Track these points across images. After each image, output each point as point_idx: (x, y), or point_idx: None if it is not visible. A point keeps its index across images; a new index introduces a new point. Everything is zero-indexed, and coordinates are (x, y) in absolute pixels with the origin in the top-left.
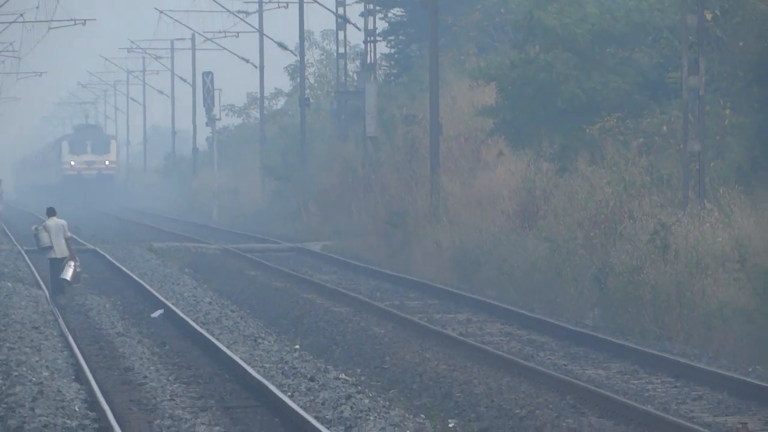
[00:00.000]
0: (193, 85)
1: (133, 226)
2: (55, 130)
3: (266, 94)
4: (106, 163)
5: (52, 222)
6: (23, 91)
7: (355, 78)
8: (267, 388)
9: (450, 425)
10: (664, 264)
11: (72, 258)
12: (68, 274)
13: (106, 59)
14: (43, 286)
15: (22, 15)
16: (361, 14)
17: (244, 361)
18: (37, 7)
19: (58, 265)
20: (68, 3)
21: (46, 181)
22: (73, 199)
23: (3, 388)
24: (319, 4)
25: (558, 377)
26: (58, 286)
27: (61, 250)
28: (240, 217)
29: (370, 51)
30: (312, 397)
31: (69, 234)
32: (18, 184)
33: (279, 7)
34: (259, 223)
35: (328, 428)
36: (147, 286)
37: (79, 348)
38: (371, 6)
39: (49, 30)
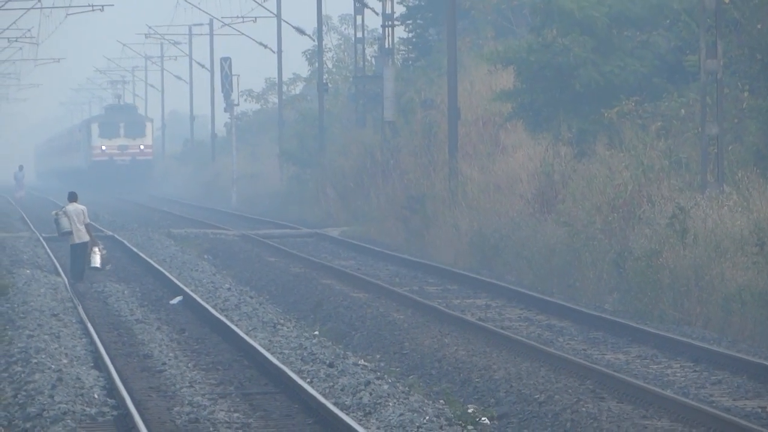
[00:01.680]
0: (212, 71)
1: (152, 212)
2: (73, 117)
3: (284, 79)
4: (141, 147)
5: (72, 207)
6: (42, 77)
7: (373, 63)
8: (286, 374)
9: (469, 410)
10: (682, 248)
11: (94, 243)
12: (96, 261)
13: (124, 45)
14: (62, 273)
15: (39, 1)
16: None
17: (264, 348)
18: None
19: (78, 250)
20: None
21: (73, 166)
22: (103, 187)
23: (22, 375)
24: None
25: (577, 362)
26: (79, 273)
27: (80, 235)
28: (258, 203)
29: (388, 35)
30: (331, 384)
31: (88, 220)
32: (40, 169)
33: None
34: (278, 209)
35: (347, 414)
36: (166, 273)
37: (98, 335)
38: None
39: (67, 16)
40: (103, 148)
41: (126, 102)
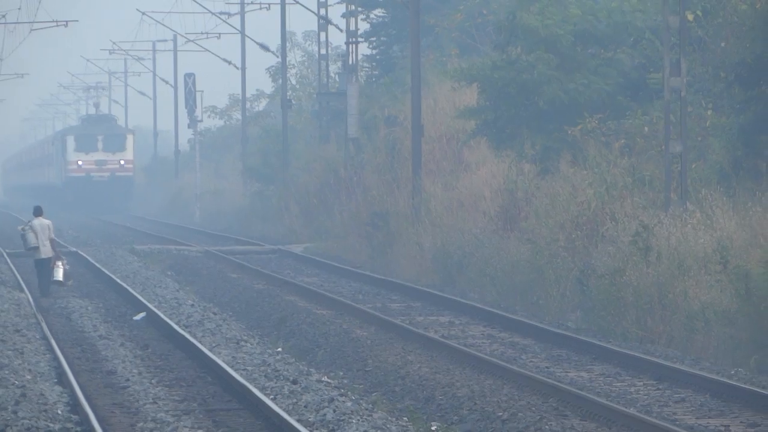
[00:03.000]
0: (175, 87)
1: (115, 228)
2: (36, 133)
3: (248, 95)
4: (122, 162)
5: (38, 222)
6: (4, 93)
7: (337, 79)
8: (250, 390)
9: (433, 428)
10: (646, 266)
11: (58, 258)
12: (59, 274)
13: (88, 60)
14: (26, 289)
15: (3, 16)
16: (343, 15)
17: (227, 364)
18: (19, 8)
19: (44, 265)
20: (50, 4)
21: (45, 182)
22: (79, 206)
23: None
24: (301, 5)
25: (540, 380)
26: (46, 288)
27: (46, 250)
28: (222, 219)
29: (352, 52)
30: (295, 400)
31: (53, 235)
32: (8, 185)
33: (261, 9)
34: (241, 225)
35: (311, 431)
36: (129, 289)
37: (61, 351)
38: (353, 7)
39: (31, 31)
40: (80, 163)
41: (104, 112)
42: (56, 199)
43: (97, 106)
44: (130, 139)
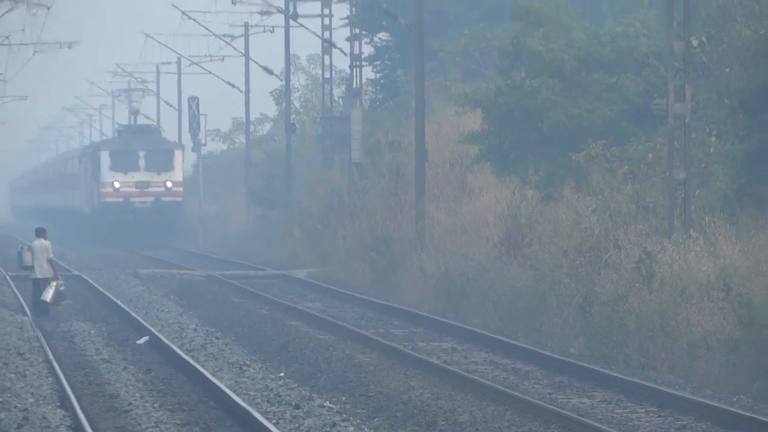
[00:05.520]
0: (179, 110)
1: (118, 251)
2: (39, 155)
3: (252, 119)
4: (168, 185)
5: (38, 243)
6: (8, 115)
7: (341, 103)
8: (252, 415)
9: None
10: (649, 293)
11: (55, 278)
12: (48, 295)
13: (92, 83)
14: (28, 312)
15: (8, 38)
16: (347, 39)
17: (230, 389)
18: (23, 30)
19: (40, 285)
20: (54, 26)
21: (68, 207)
22: (114, 237)
23: None
24: (305, 28)
25: (542, 406)
26: (39, 307)
27: (42, 270)
28: (225, 243)
29: (356, 76)
30: (297, 425)
31: (51, 255)
32: (17, 205)
33: (265, 32)
34: (244, 249)
35: None
36: (132, 313)
37: (64, 374)
38: (357, 30)
39: (34, 53)
40: (117, 185)
41: (146, 122)
42: (84, 228)
43: (135, 113)
44: (178, 155)
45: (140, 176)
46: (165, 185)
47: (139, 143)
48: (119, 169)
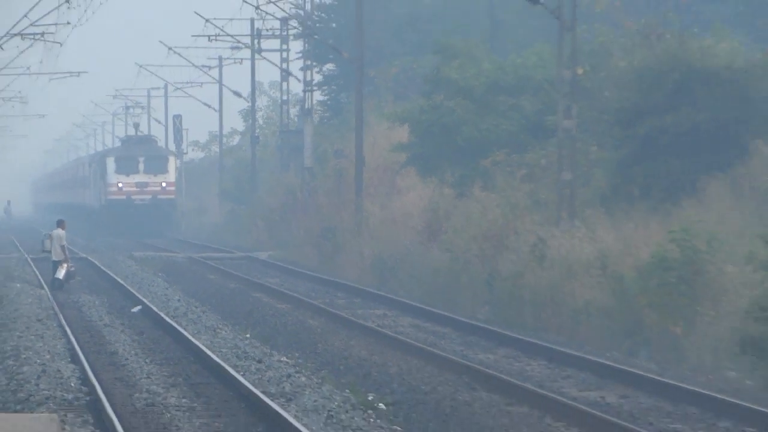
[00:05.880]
0: (166, 126)
1: (120, 239)
2: (54, 162)
3: (224, 132)
4: (163, 185)
5: (56, 232)
6: (29, 129)
7: (296, 120)
8: (224, 368)
9: (369, 398)
10: (541, 270)
11: (66, 261)
12: (61, 274)
13: (96, 104)
14: (45, 287)
15: (28, 68)
16: (301, 69)
17: (206, 347)
18: (41, 62)
19: (55, 266)
20: (66, 57)
21: (80, 204)
22: (118, 229)
23: (14, 368)
24: (267, 60)
25: (456, 360)
26: (55, 283)
27: (56, 254)
28: (202, 232)
29: (308, 98)
30: (260, 376)
31: (64, 243)
32: (38, 203)
33: (235, 63)
34: (218, 237)
35: (272, 400)
36: (128, 287)
37: (74, 336)
38: (309, 62)
39: (50, 80)
40: (120, 185)
41: (145, 133)
42: (93, 222)
43: (137, 126)
44: (172, 160)
45: (140, 178)
46: (161, 185)
47: (139, 150)
48: (122, 171)
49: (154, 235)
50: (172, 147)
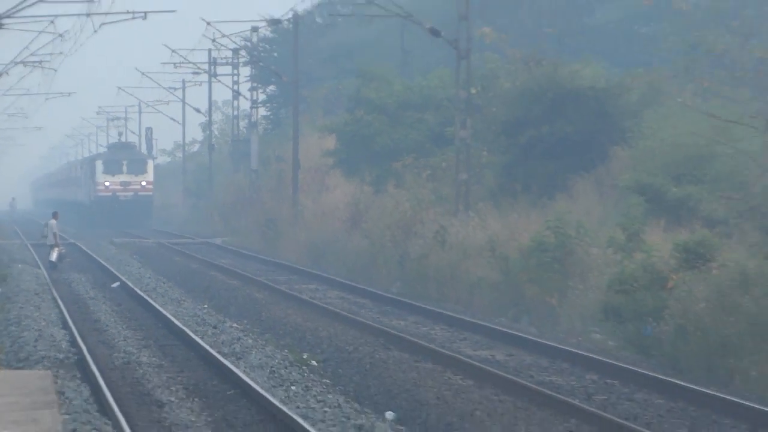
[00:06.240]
0: (139, 136)
1: (105, 229)
2: (49, 165)
3: (187, 141)
4: (143, 183)
5: (52, 221)
6: (29, 139)
7: (245, 131)
8: (186, 333)
9: (304, 356)
10: (442, 253)
11: (57, 245)
12: (53, 256)
13: (83, 119)
14: (42, 267)
15: (28, 90)
16: (249, 89)
17: (172, 315)
18: (39, 85)
19: (49, 249)
20: (60, 80)
21: (74, 200)
22: (105, 221)
23: (16, 333)
24: (222, 83)
25: (373, 325)
26: (50, 264)
27: (51, 240)
28: (169, 223)
29: (254, 114)
30: (215, 339)
31: (56, 231)
32: (37, 199)
33: (195, 85)
34: (182, 227)
35: (225, 358)
36: (109, 267)
37: (65, 307)
38: (255, 84)
39: (46, 99)
40: (107, 184)
41: (127, 140)
42: (84, 215)
43: (120, 134)
44: (150, 163)
45: (124, 178)
46: (141, 184)
47: (122, 155)
48: (109, 172)
49: (134, 225)
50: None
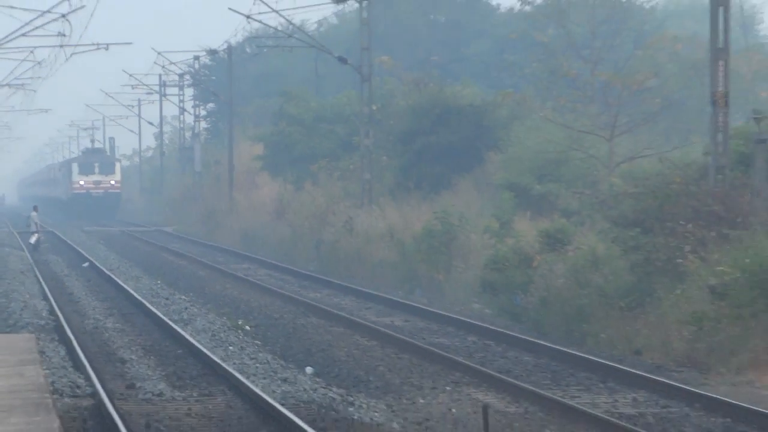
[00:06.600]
0: (104, 144)
1: (78, 220)
2: (30, 169)
3: (142, 148)
4: (112, 182)
5: (33, 213)
6: (12, 147)
7: (189, 140)
8: (143, 303)
9: (239, 322)
10: (350, 238)
11: (37, 232)
12: (32, 240)
13: (58, 130)
14: (26, 251)
15: (13, 107)
16: (193, 106)
17: (132, 289)
18: (21, 103)
19: (31, 236)
20: (39, 99)
21: (54, 196)
22: (80, 214)
23: (5, 304)
24: (170, 101)
25: (295, 297)
26: (29, 247)
27: (32, 228)
28: (128, 214)
29: (197, 126)
30: (167, 308)
31: (37, 221)
32: (23, 195)
33: (149, 103)
34: (139, 217)
35: (175, 324)
36: (80, 250)
37: (45, 283)
38: (197, 102)
39: (28, 114)
40: (81, 182)
41: (99, 146)
42: (62, 210)
43: (93, 141)
44: (117, 165)
45: (96, 177)
46: (110, 183)
47: (95, 158)
48: (83, 173)
49: (104, 217)
50: None
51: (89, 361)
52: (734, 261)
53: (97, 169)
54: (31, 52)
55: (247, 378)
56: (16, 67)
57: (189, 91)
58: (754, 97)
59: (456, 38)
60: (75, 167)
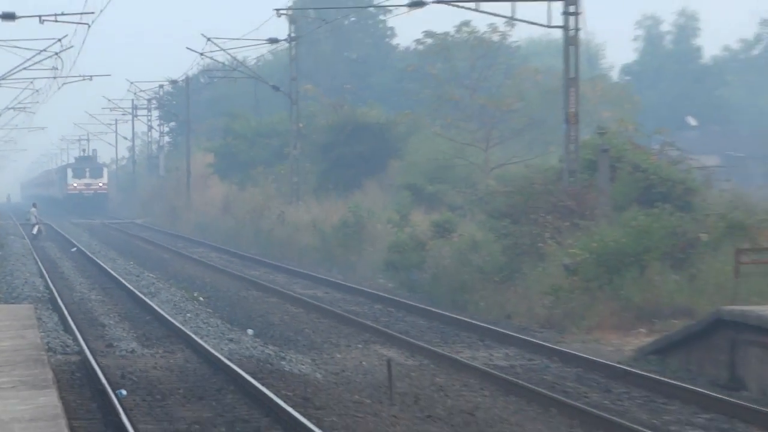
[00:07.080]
0: (87, 155)
1: (71, 216)
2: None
3: (119, 158)
4: (100, 184)
5: (33, 209)
6: (15, 158)
7: (156, 151)
8: (119, 280)
9: (195, 294)
10: (282, 228)
11: (37, 223)
12: (34, 230)
13: (52, 143)
14: (27, 239)
15: (16, 125)
16: (158, 124)
17: (110, 269)
18: (23, 121)
19: (32, 227)
20: (37, 119)
21: (52, 196)
22: (74, 211)
23: (10, 280)
24: (141, 120)
25: (239, 274)
26: (32, 235)
27: (32, 220)
28: (108, 210)
29: (162, 140)
30: (138, 283)
31: (36, 215)
32: (25, 195)
33: (124, 122)
34: (115, 212)
35: (144, 296)
36: (69, 238)
37: (42, 264)
38: (162, 121)
39: (28, 132)
40: (75, 185)
41: (89, 154)
42: (58, 207)
43: (84, 150)
44: (105, 170)
45: (87, 180)
46: (99, 185)
47: (86, 164)
48: (76, 177)
49: (94, 214)
50: None
51: (76, 326)
52: (583, 245)
53: (88, 174)
54: (31, 82)
55: (201, 338)
56: (19, 94)
57: (155, 113)
58: (598, 116)
59: (365, 71)
60: (69, 172)
